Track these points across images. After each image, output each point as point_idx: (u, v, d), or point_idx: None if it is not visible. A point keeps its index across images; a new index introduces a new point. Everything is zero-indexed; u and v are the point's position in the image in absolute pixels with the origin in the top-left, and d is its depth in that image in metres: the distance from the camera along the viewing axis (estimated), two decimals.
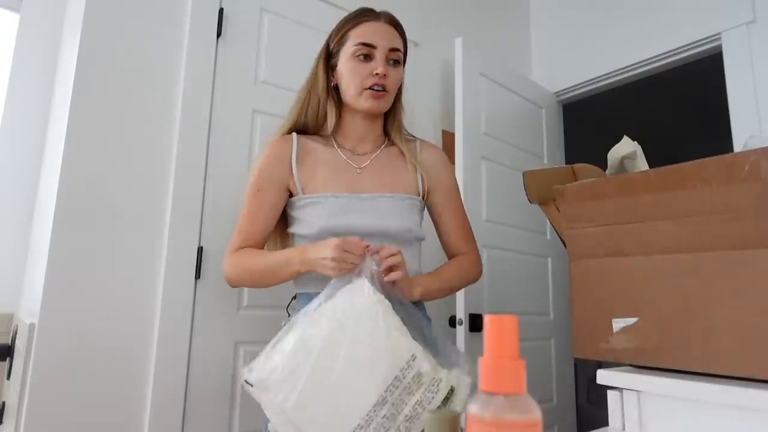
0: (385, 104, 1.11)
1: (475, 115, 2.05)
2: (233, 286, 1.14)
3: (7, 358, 1.38)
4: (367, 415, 0.81)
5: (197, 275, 1.41)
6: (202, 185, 1.47)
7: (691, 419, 0.70)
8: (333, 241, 0.93)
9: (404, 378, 0.83)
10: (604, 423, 0.80)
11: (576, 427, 2.33)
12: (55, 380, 1.19)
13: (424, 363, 0.84)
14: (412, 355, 0.84)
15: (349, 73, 1.09)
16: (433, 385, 0.84)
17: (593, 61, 2.44)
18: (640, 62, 2.27)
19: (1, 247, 1.55)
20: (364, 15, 1.12)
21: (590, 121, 3.53)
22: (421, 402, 0.83)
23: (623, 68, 2.33)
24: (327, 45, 1.16)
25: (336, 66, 1.12)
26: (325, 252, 0.93)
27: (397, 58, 1.12)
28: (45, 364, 1.19)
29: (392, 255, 0.94)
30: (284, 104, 1.31)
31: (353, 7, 1.17)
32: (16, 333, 1.39)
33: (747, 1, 1.95)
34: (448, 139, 2.11)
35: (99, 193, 1.31)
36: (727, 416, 0.66)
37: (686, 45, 2.12)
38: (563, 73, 2.55)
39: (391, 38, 1.11)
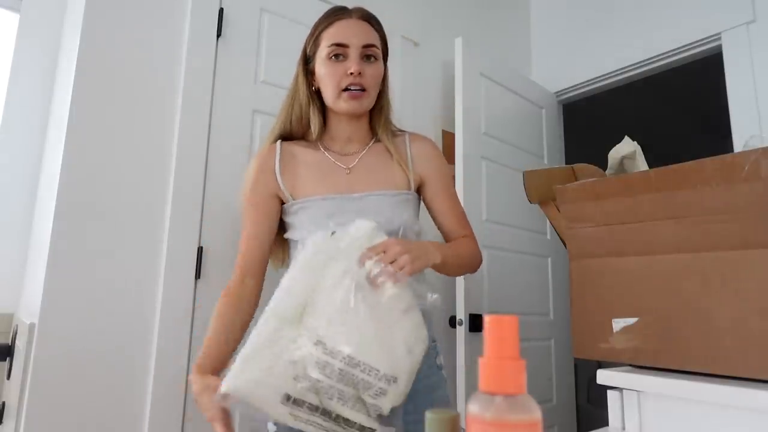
0: (366, 103, 1.08)
1: (475, 115, 2.05)
2: None
3: (7, 358, 1.38)
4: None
5: (197, 275, 1.41)
6: (202, 185, 1.47)
7: (691, 419, 0.70)
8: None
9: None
10: (604, 423, 0.80)
11: (576, 427, 2.33)
12: (55, 380, 1.19)
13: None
14: None
15: (325, 75, 1.06)
16: None
17: (593, 61, 2.44)
18: (640, 62, 2.27)
19: (1, 247, 1.55)
20: (335, 14, 1.09)
21: (590, 121, 3.53)
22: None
23: (623, 68, 2.33)
24: (304, 50, 1.13)
25: (314, 70, 1.10)
26: None
27: (373, 54, 1.08)
28: (45, 364, 1.19)
29: (389, 263, 0.89)
30: None
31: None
32: (16, 333, 1.39)
33: (747, 1, 1.95)
34: (448, 139, 2.11)
35: (99, 193, 1.31)
36: (727, 416, 0.66)
37: (686, 45, 2.12)
38: (563, 73, 2.55)
39: (364, 34, 1.07)
